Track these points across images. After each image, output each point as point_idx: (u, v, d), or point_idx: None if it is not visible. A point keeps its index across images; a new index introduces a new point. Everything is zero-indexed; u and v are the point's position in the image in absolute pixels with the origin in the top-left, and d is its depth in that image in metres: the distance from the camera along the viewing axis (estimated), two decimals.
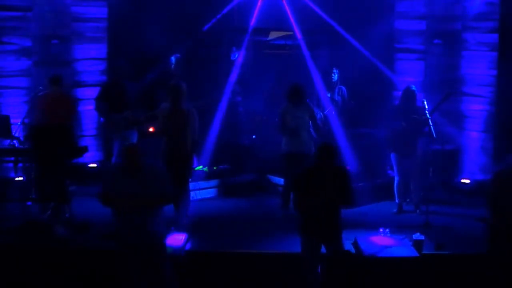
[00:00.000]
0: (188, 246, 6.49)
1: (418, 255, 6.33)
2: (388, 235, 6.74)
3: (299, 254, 5.82)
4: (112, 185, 5.37)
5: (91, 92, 9.13)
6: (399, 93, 9.60)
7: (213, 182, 9.15)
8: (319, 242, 5.71)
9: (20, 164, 8.19)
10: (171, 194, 5.52)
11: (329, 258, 5.57)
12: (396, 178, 8.17)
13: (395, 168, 8.18)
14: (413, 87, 8.01)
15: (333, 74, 9.63)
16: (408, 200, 8.32)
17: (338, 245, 5.74)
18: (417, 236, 6.51)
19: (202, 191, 8.62)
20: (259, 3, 9.94)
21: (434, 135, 7.62)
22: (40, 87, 8.19)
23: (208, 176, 9.23)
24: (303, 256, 5.77)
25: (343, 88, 9.62)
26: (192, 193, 7.95)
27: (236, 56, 10.08)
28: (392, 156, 8.17)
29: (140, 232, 5.32)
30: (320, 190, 5.51)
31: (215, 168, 9.43)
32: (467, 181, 9.11)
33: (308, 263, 5.70)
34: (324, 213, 5.59)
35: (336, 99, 9.57)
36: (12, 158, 8.08)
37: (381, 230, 6.77)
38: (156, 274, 5.42)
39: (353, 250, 6.33)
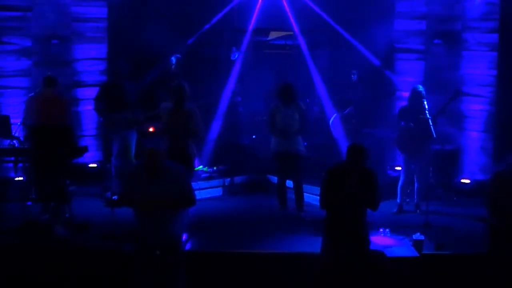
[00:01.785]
0: (188, 246, 6.48)
1: (418, 255, 6.33)
2: (388, 235, 6.74)
3: (318, 253, 5.76)
4: (132, 186, 5.38)
5: (91, 92, 9.11)
6: (399, 93, 9.67)
7: (213, 182, 9.14)
8: (341, 243, 5.60)
9: (20, 164, 8.19)
10: (192, 196, 5.49)
11: (349, 259, 5.55)
12: (401, 178, 8.13)
13: (402, 168, 8.15)
14: (420, 88, 7.95)
15: (352, 75, 9.74)
16: (408, 200, 8.31)
17: (362, 248, 5.68)
18: (417, 236, 6.50)
19: (202, 191, 8.59)
20: (259, 3, 9.95)
21: (434, 135, 7.62)
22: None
23: (208, 176, 9.24)
24: (322, 256, 5.71)
25: (362, 87, 9.64)
26: None
27: (236, 56, 10.08)
28: (400, 156, 8.15)
29: (159, 233, 5.33)
30: (345, 189, 5.49)
31: (215, 168, 9.44)
32: (467, 181, 9.10)
33: (325, 263, 5.65)
34: (348, 214, 5.54)
35: (355, 98, 9.59)
36: (12, 158, 8.08)
37: (381, 230, 6.77)
38: (169, 275, 5.41)
39: None
